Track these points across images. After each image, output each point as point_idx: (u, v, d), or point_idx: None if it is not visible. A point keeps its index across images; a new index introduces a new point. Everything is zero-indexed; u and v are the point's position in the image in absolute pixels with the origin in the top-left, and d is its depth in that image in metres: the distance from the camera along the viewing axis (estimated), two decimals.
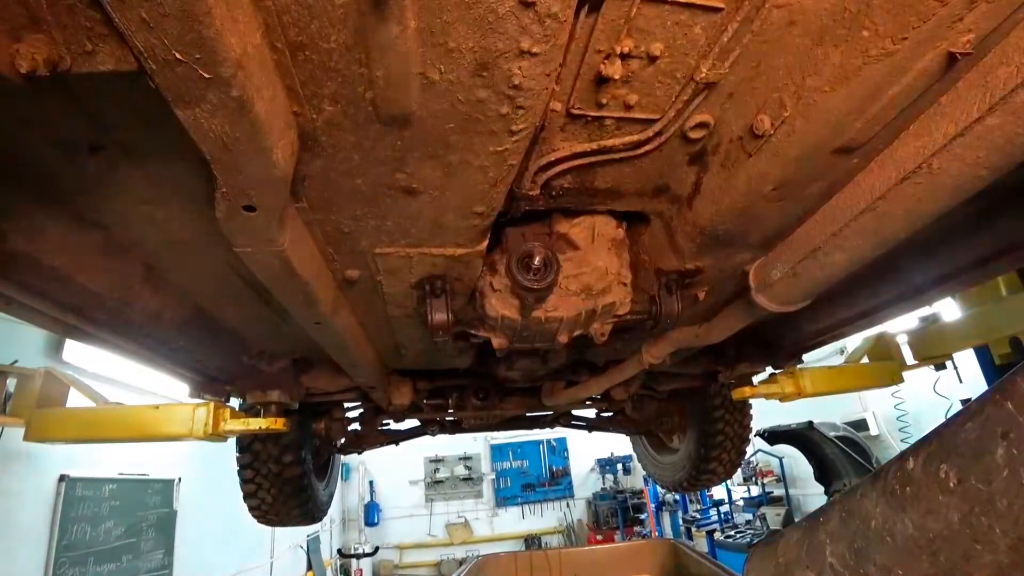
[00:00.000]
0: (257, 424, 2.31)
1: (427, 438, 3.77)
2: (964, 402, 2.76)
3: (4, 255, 1.13)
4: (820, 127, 0.86)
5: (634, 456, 4.94)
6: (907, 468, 0.82)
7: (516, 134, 0.84)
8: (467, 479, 13.01)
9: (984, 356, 2.91)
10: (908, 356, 2.93)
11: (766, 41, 0.80)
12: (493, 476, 13.13)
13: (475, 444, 12.89)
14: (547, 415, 3.52)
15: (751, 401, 3.39)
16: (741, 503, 9.80)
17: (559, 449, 13.03)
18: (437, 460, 12.89)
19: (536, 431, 4.04)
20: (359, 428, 3.46)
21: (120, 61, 0.61)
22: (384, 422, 3.45)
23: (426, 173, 0.94)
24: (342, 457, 4.05)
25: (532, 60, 0.69)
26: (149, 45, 0.55)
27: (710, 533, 8.70)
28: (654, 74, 0.83)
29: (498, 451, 13.13)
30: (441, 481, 12.91)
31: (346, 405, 3.23)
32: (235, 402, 2.60)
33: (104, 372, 4.91)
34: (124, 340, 1.65)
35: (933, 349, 2.86)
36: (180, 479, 6.23)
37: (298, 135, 0.82)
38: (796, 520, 1.18)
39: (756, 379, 2.79)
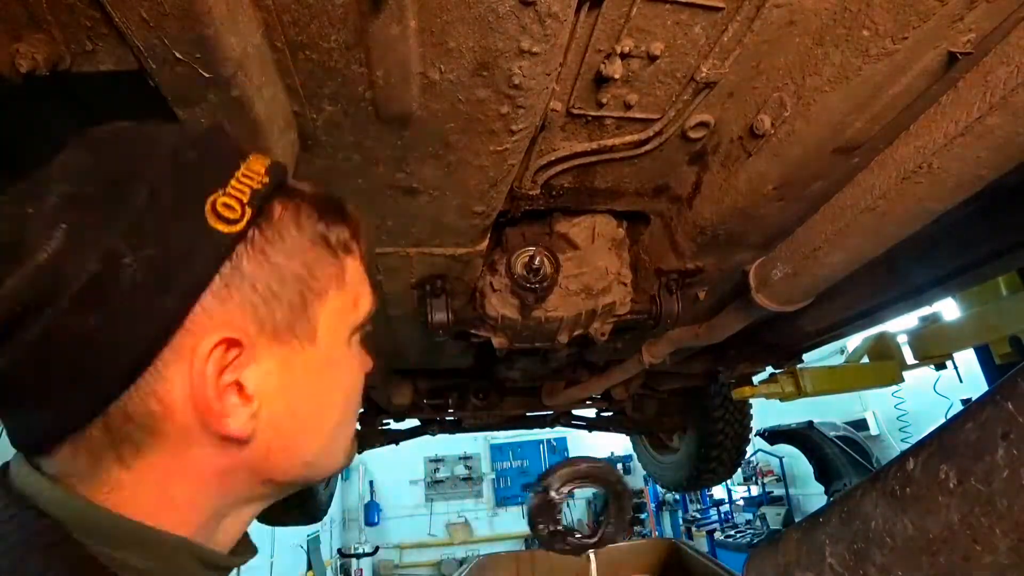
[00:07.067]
0: None
1: (427, 438, 3.76)
2: (964, 402, 2.76)
3: None
4: (820, 127, 0.86)
5: (634, 456, 4.94)
6: (907, 468, 0.82)
7: (516, 134, 0.84)
8: (467, 479, 12.99)
9: (984, 356, 2.91)
10: (908, 356, 2.93)
11: (766, 41, 0.80)
12: (493, 476, 13.11)
13: (475, 444, 12.87)
14: (547, 415, 3.51)
15: (751, 401, 3.39)
16: (741, 503, 9.80)
17: (559, 449, 12.99)
18: (437, 460, 12.87)
19: (536, 431, 4.04)
20: (359, 427, 3.45)
21: (120, 61, 0.61)
22: (384, 421, 3.45)
23: (426, 173, 0.94)
24: None
25: (532, 60, 0.70)
26: (149, 44, 0.55)
27: (710, 533, 8.70)
28: (654, 73, 0.83)
29: (498, 451, 13.11)
30: (441, 481, 12.90)
31: None
32: None
33: None
34: None
35: (933, 349, 2.85)
36: None
37: (298, 135, 0.82)
38: (796, 520, 1.18)
39: (756, 379, 2.79)
